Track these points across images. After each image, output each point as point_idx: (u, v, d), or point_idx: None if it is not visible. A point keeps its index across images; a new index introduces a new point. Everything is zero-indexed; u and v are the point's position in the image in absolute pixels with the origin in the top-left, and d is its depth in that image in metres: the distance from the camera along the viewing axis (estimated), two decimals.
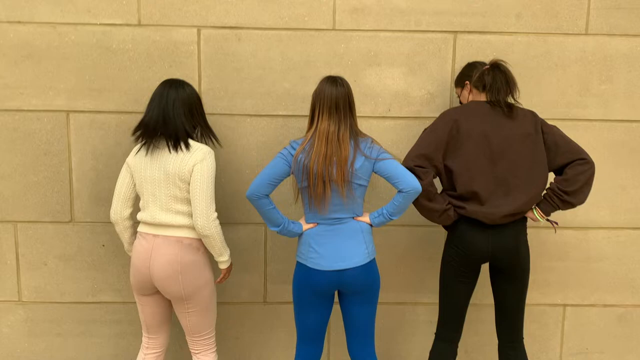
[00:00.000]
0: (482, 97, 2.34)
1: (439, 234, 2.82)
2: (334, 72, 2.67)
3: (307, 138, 2.16)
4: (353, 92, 2.66)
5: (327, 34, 2.65)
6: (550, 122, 2.71)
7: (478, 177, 2.24)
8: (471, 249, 2.28)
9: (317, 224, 2.24)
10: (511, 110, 2.28)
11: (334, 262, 2.18)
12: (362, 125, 2.71)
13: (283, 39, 2.65)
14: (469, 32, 2.67)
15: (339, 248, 2.20)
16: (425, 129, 2.34)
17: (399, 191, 2.18)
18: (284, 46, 2.65)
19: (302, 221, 2.29)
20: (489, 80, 2.29)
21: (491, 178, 2.25)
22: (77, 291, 2.79)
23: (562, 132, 2.31)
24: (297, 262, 2.27)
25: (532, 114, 2.31)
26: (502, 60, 2.31)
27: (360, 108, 2.70)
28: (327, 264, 2.18)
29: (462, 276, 2.34)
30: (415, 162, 2.25)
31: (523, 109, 2.31)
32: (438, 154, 2.27)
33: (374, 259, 2.27)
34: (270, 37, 2.64)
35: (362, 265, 2.20)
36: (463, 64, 2.50)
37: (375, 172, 2.21)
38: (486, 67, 2.33)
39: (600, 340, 2.95)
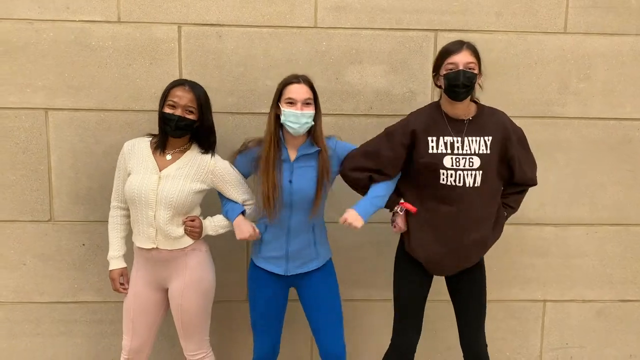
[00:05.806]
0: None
1: None
2: (316, 70, 2.66)
3: None
4: (335, 89, 2.69)
5: (309, 31, 2.65)
6: (529, 120, 2.75)
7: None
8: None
9: None
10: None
11: None
12: (345, 123, 2.72)
13: (265, 37, 2.64)
14: (449, 30, 2.68)
15: None
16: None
17: None
18: (265, 44, 2.64)
19: None
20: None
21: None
22: (57, 291, 2.76)
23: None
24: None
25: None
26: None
27: (342, 106, 2.70)
28: None
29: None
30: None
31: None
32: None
33: None
34: (251, 35, 2.63)
35: None
36: None
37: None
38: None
39: (580, 335, 2.99)
